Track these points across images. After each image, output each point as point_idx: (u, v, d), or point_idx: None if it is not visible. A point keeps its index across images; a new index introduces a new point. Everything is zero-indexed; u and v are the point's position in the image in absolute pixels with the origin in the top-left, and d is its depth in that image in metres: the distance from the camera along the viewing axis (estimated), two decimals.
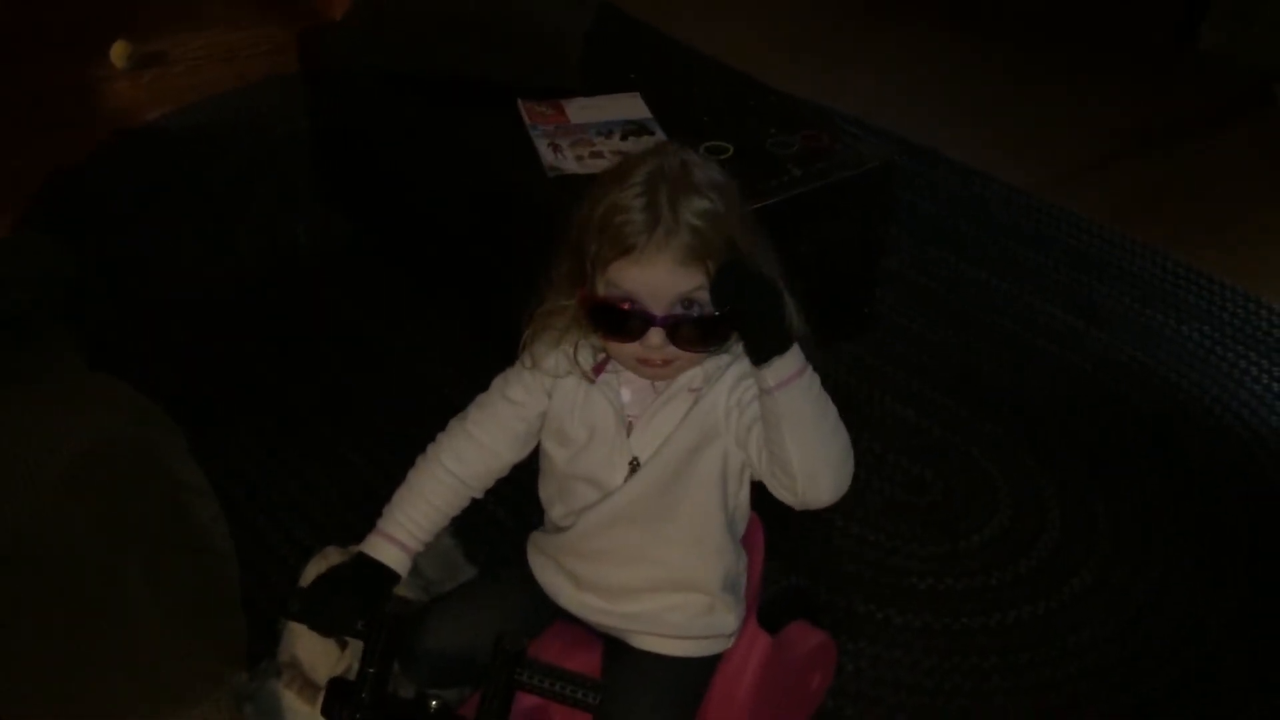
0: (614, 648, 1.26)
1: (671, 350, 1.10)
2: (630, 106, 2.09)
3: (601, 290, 1.10)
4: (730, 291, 1.06)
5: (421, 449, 1.23)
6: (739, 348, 1.12)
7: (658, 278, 1.07)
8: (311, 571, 1.38)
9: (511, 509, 1.69)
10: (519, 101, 2.07)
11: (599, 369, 1.18)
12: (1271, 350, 2.25)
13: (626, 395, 1.18)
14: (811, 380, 1.08)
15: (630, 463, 1.18)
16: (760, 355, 1.06)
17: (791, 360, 1.06)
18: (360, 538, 1.22)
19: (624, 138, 2.00)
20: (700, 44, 2.75)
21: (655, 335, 1.08)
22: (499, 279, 2.11)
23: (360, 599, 1.17)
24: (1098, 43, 3.42)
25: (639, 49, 2.35)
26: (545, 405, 1.21)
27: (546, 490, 1.26)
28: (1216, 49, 3.35)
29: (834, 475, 1.10)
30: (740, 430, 1.14)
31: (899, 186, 2.38)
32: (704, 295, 1.08)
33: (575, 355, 1.17)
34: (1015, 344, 2.24)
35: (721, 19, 3.47)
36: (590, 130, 2.02)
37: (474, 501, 1.25)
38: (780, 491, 1.12)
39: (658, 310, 1.08)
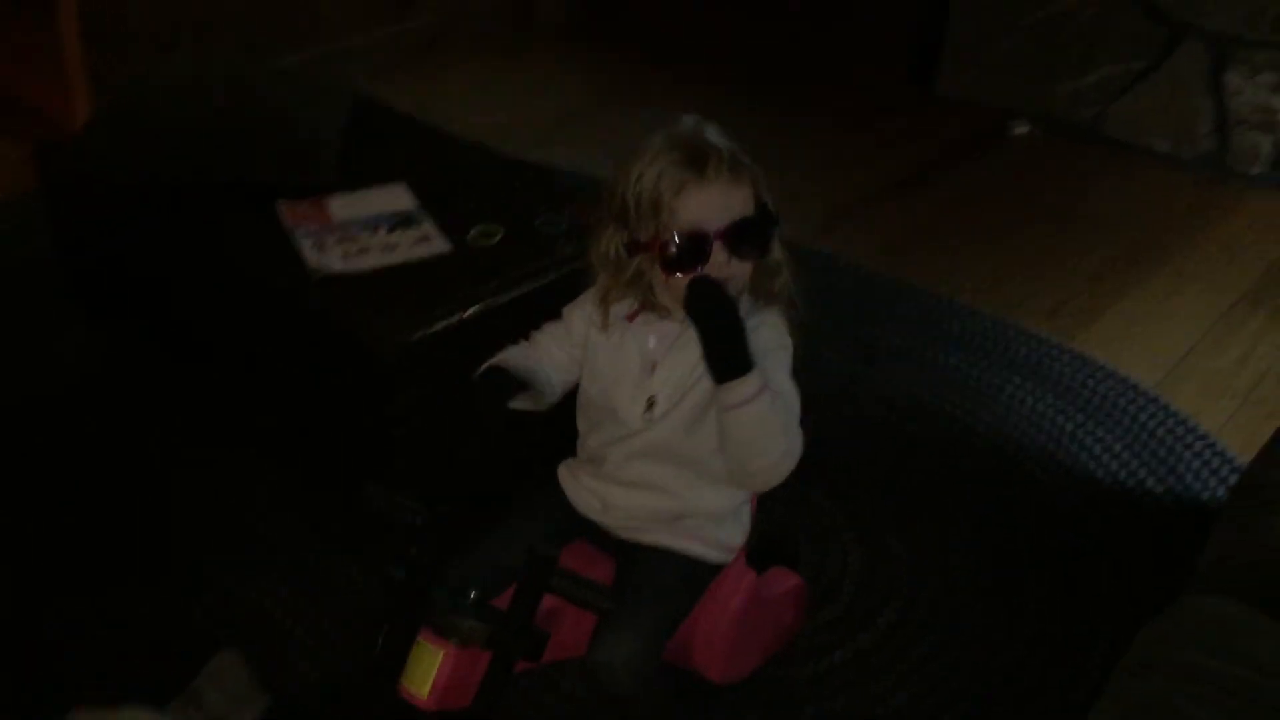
0: (628, 554, 1.47)
1: (734, 265, 1.31)
2: (396, 198, 2.06)
3: (664, 233, 1.31)
4: (700, 306, 1.29)
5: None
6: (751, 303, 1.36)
7: (714, 202, 1.30)
8: None
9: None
10: (278, 203, 2.02)
11: (633, 316, 1.41)
12: (1031, 373, 2.39)
13: (652, 341, 1.40)
14: (763, 408, 1.28)
15: (648, 400, 1.40)
16: (718, 375, 1.28)
17: (749, 385, 1.27)
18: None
19: (391, 230, 1.97)
20: (464, 129, 2.76)
21: (717, 251, 1.30)
22: (278, 388, 2.04)
23: (496, 393, 1.39)
24: (841, 93, 3.60)
25: (401, 139, 2.33)
26: (589, 338, 1.44)
27: (582, 422, 1.49)
28: (953, 91, 3.58)
29: (765, 482, 1.34)
30: None
31: None
32: (757, 220, 1.32)
33: (607, 312, 1.41)
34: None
35: (483, 103, 3.50)
36: (355, 226, 1.98)
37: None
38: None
39: (718, 226, 1.30)
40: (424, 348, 1.79)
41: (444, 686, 1.28)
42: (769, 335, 1.37)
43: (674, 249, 1.31)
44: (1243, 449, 2.16)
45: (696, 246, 1.31)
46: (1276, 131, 3.09)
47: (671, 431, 1.41)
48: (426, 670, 1.28)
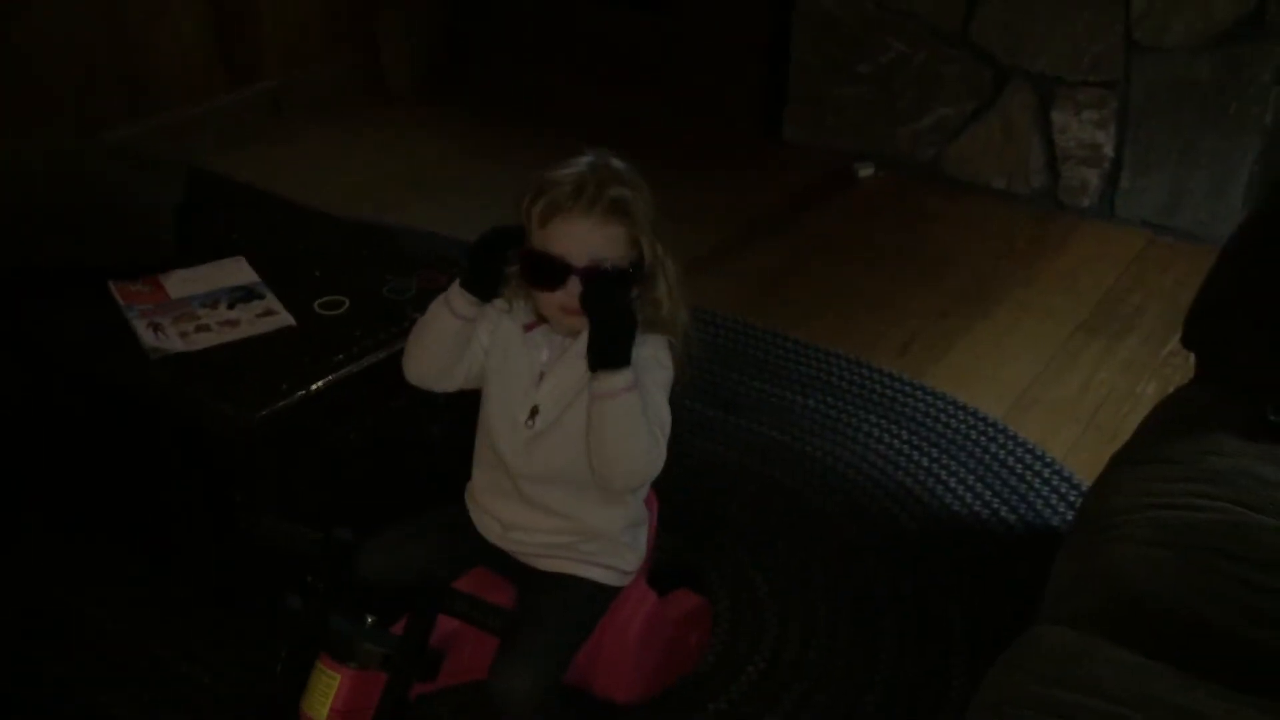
0: (527, 581, 1.55)
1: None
2: (235, 272, 2.01)
3: (537, 246, 1.40)
4: (595, 299, 1.37)
5: None
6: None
7: (580, 235, 1.38)
8: None
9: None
10: (110, 284, 1.94)
11: (530, 327, 1.49)
12: (887, 411, 2.44)
13: (545, 353, 1.48)
14: (630, 403, 1.38)
15: (532, 408, 1.48)
16: (596, 362, 1.38)
17: (620, 379, 1.37)
18: None
19: (231, 305, 1.91)
20: (314, 194, 2.71)
21: (574, 283, 1.39)
22: (126, 477, 1.95)
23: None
24: (691, 147, 3.65)
25: (241, 212, 2.27)
26: (487, 337, 1.51)
27: (479, 437, 1.55)
28: (800, 139, 3.67)
29: (624, 479, 1.44)
30: None
31: None
32: (618, 270, 1.40)
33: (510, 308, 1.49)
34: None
35: (333, 167, 3.45)
36: (194, 302, 1.92)
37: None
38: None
39: (578, 263, 1.38)
40: (271, 425, 1.74)
41: (342, 709, 1.33)
42: (647, 354, 1.45)
43: (529, 265, 1.42)
44: (1088, 474, 2.23)
45: (551, 271, 1.40)
46: (1103, 165, 3.24)
47: (556, 446, 1.47)
48: (324, 693, 1.34)
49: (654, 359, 1.46)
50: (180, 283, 1.97)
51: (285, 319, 1.90)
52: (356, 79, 3.92)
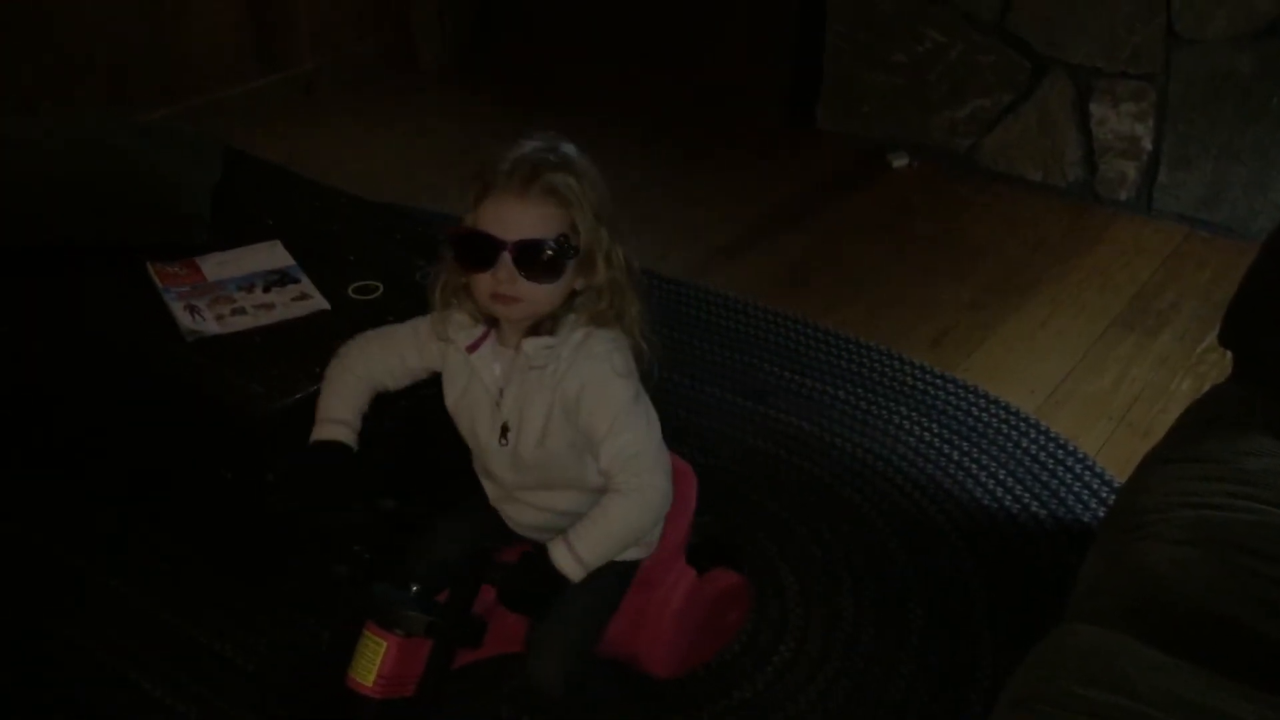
0: None
1: (522, 285, 1.36)
2: (271, 256, 2.03)
3: (462, 228, 1.39)
4: (510, 597, 1.40)
5: None
6: (579, 330, 1.42)
7: (511, 214, 1.35)
8: None
9: None
10: (148, 265, 1.96)
11: (475, 345, 1.46)
12: (918, 404, 2.43)
13: (498, 369, 1.46)
14: (605, 549, 1.42)
15: (502, 426, 1.47)
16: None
17: (579, 572, 1.41)
18: None
19: (267, 289, 1.93)
20: (345, 177, 2.73)
21: (505, 262, 1.35)
22: (158, 458, 1.98)
23: (336, 475, 1.48)
24: (725, 133, 3.65)
25: (275, 195, 2.30)
26: (437, 364, 1.51)
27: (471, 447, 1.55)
28: (832, 127, 3.65)
29: (652, 529, 1.54)
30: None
31: None
32: (550, 244, 1.36)
33: (448, 330, 1.47)
34: (691, 432, 2.31)
35: (365, 150, 3.47)
36: (230, 286, 1.94)
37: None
38: None
39: (510, 238, 1.35)
40: (306, 409, 1.75)
41: (388, 675, 1.37)
42: (595, 367, 1.43)
43: (460, 245, 1.40)
44: (1120, 471, 2.22)
45: (480, 248, 1.37)
46: (1141, 158, 3.21)
47: (539, 457, 1.47)
48: (371, 660, 1.37)
49: (604, 370, 1.43)
50: (217, 265, 1.99)
51: (320, 303, 1.91)
52: (388, 62, 3.94)
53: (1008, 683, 1.26)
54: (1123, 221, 3.21)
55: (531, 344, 1.42)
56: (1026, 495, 2.19)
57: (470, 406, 1.50)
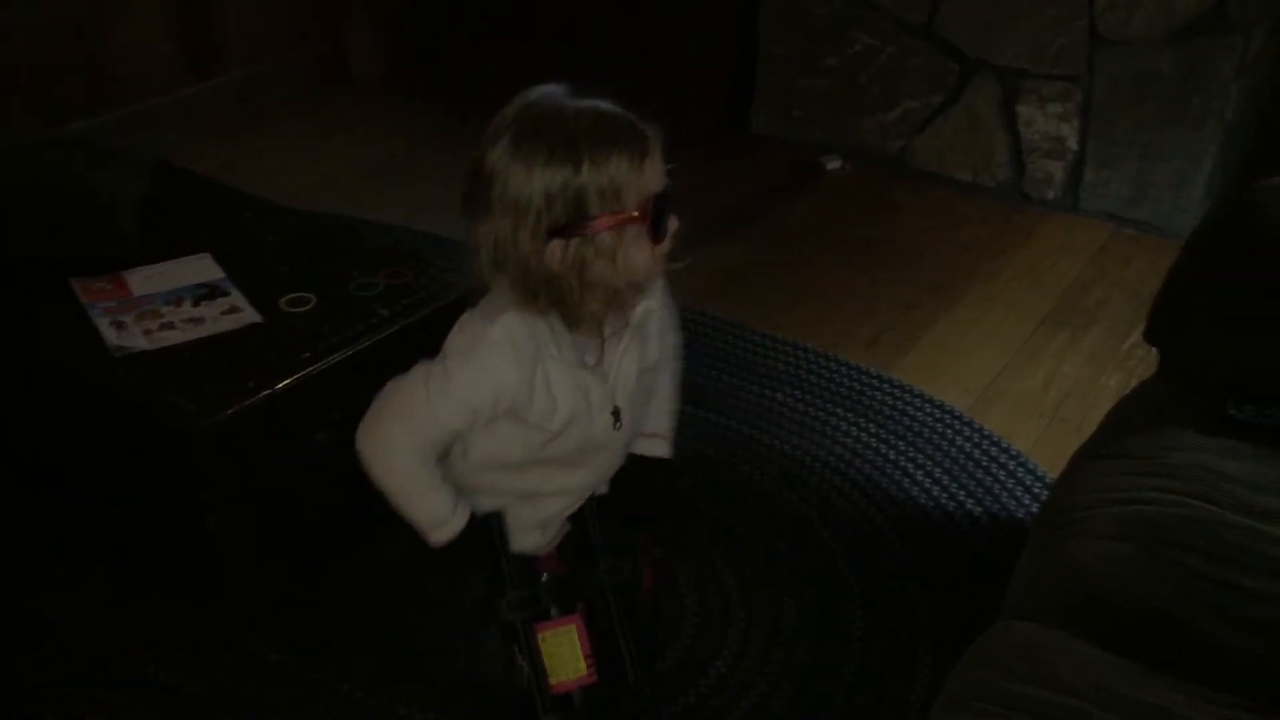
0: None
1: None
2: (200, 269, 1.99)
3: (640, 203, 1.28)
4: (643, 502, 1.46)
5: None
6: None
7: (661, 162, 1.31)
8: None
9: None
10: (72, 281, 1.92)
11: (599, 354, 1.36)
12: (855, 405, 2.45)
13: (592, 358, 1.36)
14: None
15: (614, 412, 1.37)
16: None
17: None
18: None
19: (196, 303, 1.90)
20: (278, 188, 2.70)
21: (674, 221, 1.32)
22: (89, 481, 1.93)
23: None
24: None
25: (206, 206, 2.25)
26: (521, 399, 1.31)
27: (510, 464, 1.39)
28: (768, 131, 3.68)
29: None
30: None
31: None
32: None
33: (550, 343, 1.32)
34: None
35: (299, 160, 3.43)
36: (158, 300, 1.90)
37: None
38: None
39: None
40: (236, 424, 1.73)
41: (590, 653, 1.36)
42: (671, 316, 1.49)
43: (659, 214, 1.30)
44: (1052, 466, 2.26)
45: (665, 213, 1.31)
46: (1067, 158, 3.27)
47: (631, 421, 1.43)
48: (572, 648, 1.35)
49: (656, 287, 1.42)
50: (144, 280, 1.95)
51: (251, 316, 1.88)
52: (323, 70, 3.89)
53: (945, 682, 1.28)
54: (1051, 220, 3.27)
55: (642, 308, 1.36)
56: (962, 493, 2.22)
57: (586, 415, 1.36)
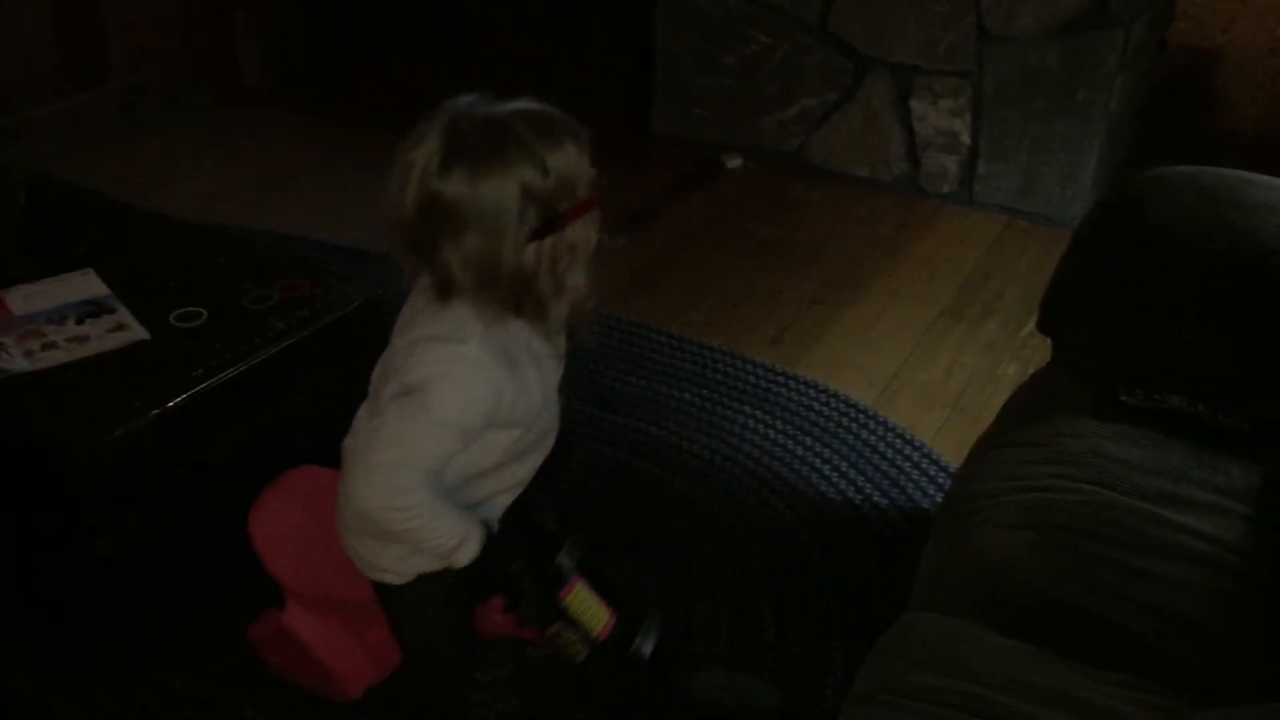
0: None
1: None
2: (84, 286, 1.92)
3: (589, 191, 1.33)
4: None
5: None
6: None
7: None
8: None
9: None
10: None
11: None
12: (761, 402, 2.46)
13: (535, 344, 1.41)
14: None
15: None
16: None
17: None
18: None
19: (80, 321, 1.83)
20: (167, 201, 2.62)
21: None
22: None
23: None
24: None
25: (89, 220, 2.18)
26: (507, 398, 1.33)
27: (485, 469, 1.40)
28: (668, 130, 3.68)
29: None
30: None
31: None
32: None
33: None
34: None
35: (188, 172, 3.34)
36: (39, 319, 1.83)
37: None
38: None
39: None
40: (126, 446, 1.67)
41: (600, 596, 1.48)
42: None
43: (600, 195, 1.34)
44: (955, 456, 2.29)
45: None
46: (961, 152, 3.33)
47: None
48: (592, 601, 1.46)
49: None
50: (24, 299, 1.88)
51: (139, 333, 1.82)
52: (211, 79, 3.80)
53: (856, 676, 1.28)
54: (947, 213, 3.32)
55: None
56: (869, 486, 2.24)
57: (547, 402, 1.45)
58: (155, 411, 1.68)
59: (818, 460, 2.30)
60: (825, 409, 2.45)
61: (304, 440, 1.88)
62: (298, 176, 3.35)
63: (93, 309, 1.86)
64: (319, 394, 1.92)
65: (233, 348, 1.80)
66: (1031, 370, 2.60)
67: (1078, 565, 1.39)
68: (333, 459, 1.56)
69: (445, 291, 1.29)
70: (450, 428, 1.30)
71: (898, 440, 2.36)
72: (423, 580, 1.41)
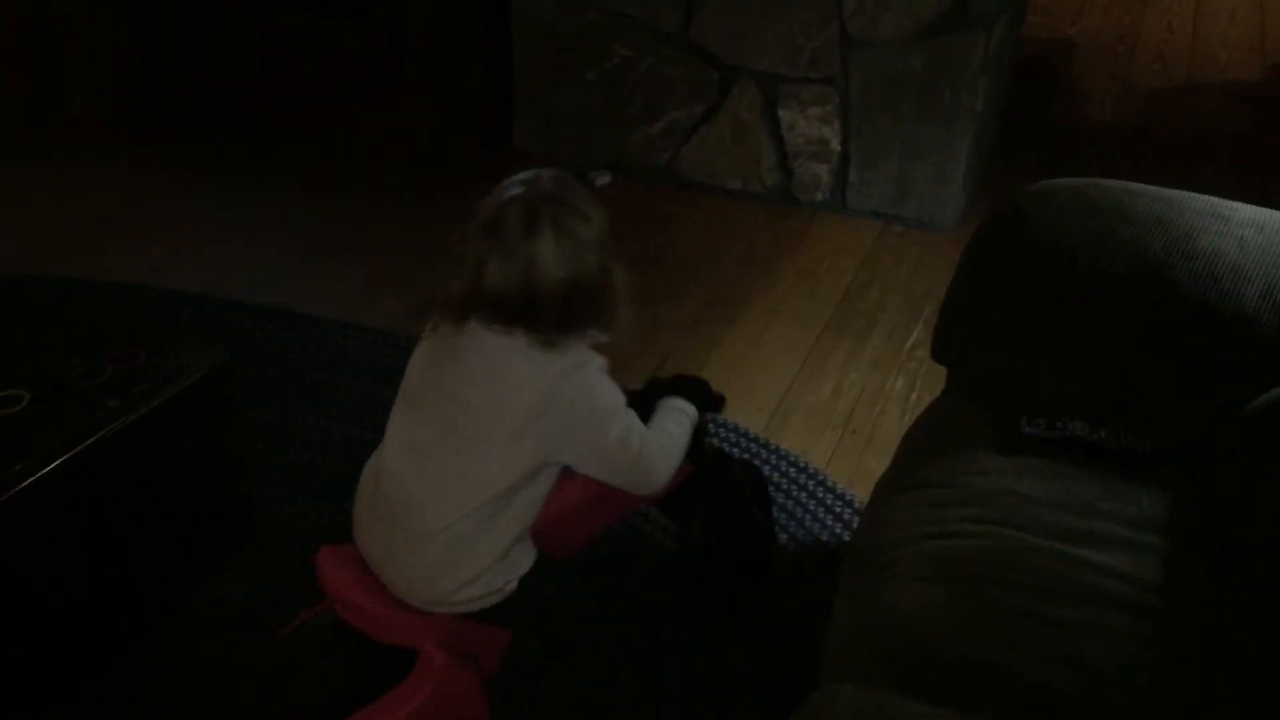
0: None
1: None
2: None
3: None
4: None
5: None
6: None
7: None
8: None
9: None
10: None
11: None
12: None
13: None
14: None
15: None
16: None
17: None
18: None
19: None
20: None
21: None
22: None
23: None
24: (420, 162, 3.48)
25: None
26: None
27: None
28: (531, 148, 3.55)
29: None
30: None
31: (254, 368, 2.20)
32: None
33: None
34: None
35: (10, 217, 3.07)
36: None
37: None
38: None
39: None
40: None
41: None
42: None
43: None
44: (849, 480, 2.23)
45: None
46: (832, 160, 3.27)
47: None
48: None
49: None
50: None
51: None
52: (33, 112, 3.52)
53: None
54: (822, 222, 3.27)
55: None
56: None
57: None
58: None
59: None
60: (717, 441, 2.35)
61: (151, 529, 1.71)
62: (139, 216, 3.11)
63: None
64: (174, 463, 1.74)
65: (59, 435, 1.61)
66: (919, 384, 2.56)
67: (993, 619, 1.32)
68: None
69: (556, 336, 1.57)
70: (623, 406, 1.63)
71: (792, 469, 2.27)
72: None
